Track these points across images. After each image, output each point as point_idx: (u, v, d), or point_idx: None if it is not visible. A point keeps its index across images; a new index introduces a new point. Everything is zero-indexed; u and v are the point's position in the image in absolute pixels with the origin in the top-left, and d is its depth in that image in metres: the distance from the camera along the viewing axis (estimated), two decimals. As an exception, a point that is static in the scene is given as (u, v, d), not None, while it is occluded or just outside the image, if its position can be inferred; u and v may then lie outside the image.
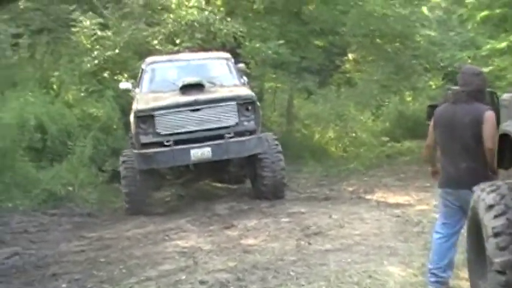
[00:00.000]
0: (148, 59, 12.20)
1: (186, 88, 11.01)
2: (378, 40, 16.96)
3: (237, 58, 14.02)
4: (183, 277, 6.95)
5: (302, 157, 16.23)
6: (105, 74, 14.77)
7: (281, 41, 14.80)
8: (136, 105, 10.88)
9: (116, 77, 14.69)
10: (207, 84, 11.23)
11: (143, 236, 9.32)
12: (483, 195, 4.47)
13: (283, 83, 17.76)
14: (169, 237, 9.14)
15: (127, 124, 11.98)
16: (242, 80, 11.94)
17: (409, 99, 23.33)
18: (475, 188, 4.73)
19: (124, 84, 12.09)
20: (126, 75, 14.62)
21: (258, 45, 14.55)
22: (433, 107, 20.65)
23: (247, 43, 14.68)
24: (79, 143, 12.72)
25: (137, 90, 11.62)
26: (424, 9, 18.87)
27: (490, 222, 4.26)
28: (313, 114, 19.67)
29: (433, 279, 5.67)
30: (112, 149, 13.17)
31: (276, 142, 11.43)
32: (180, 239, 9.03)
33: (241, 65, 12.58)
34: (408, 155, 17.46)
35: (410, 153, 17.87)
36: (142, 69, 11.92)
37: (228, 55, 12.42)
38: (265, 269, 7.01)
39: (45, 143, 12.53)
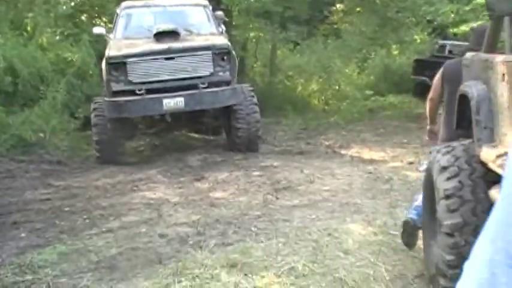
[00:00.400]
0: (124, 4, 11.83)
1: (160, 35, 10.69)
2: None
3: (218, 5, 13.67)
4: (144, 230, 6.80)
5: (283, 109, 16.02)
6: (83, 17, 14.37)
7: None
8: (109, 52, 10.56)
9: (93, 21, 14.33)
10: (182, 32, 10.91)
11: (112, 186, 9.15)
12: (438, 156, 4.29)
13: (266, 32, 17.37)
14: (137, 188, 8.98)
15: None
16: (220, 29, 11.62)
17: (395, 52, 23.02)
18: (432, 149, 4.55)
19: (98, 29, 11.72)
20: (104, 20, 14.26)
21: (239, -8, 14.17)
22: (419, 61, 20.54)
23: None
24: (52, 88, 12.40)
25: (111, 35, 11.28)
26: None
27: (442, 184, 4.10)
28: (297, 66, 19.34)
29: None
30: (86, 95, 12.85)
31: (252, 94, 11.17)
32: (148, 190, 8.88)
33: (219, 13, 12.21)
34: (390, 110, 17.26)
35: (393, 108, 17.68)
36: (117, 14, 11.57)
37: (205, 2, 12.05)
38: (228, 223, 6.86)
39: (16, 86, 12.20)
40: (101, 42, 13.05)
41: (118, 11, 11.64)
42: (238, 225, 6.77)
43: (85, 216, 7.51)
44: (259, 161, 10.43)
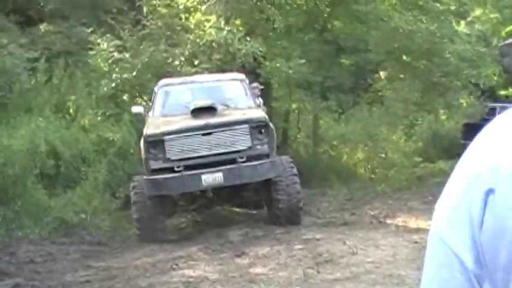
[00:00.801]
0: (161, 82, 11.92)
1: (197, 111, 10.70)
2: (404, 57, 16.39)
3: (257, 78, 13.69)
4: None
5: (328, 179, 15.76)
6: (124, 97, 14.52)
7: (302, 60, 14.36)
8: (146, 130, 10.60)
9: (134, 100, 14.46)
10: (219, 107, 10.89)
11: (151, 265, 9.02)
12: None
13: (306, 103, 17.28)
14: (177, 266, 8.85)
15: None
16: (257, 101, 11.58)
17: (443, 117, 22.67)
18: None
19: (136, 108, 11.81)
20: (145, 98, 14.39)
21: (278, 64, 14.15)
22: (469, 125, 19.98)
23: (267, 63, 14.28)
24: (93, 169, 12.46)
25: (150, 113, 11.35)
26: (462, 24, 18.34)
27: None
28: (342, 135, 19.17)
29: None
30: (128, 174, 12.80)
31: (292, 165, 10.99)
32: (188, 268, 8.75)
33: (256, 84, 12.21)
34: (440, 177, 16.80)
35: (443, 174, 17.23)
36: (155, 92, 11.65)
37: (242, 76, 12.07)
38: (266, 301, 6.62)
39: (58, 169, 12.28)
40: (141, 120, 13.14)
41: (156, 88, 11.71)
42: (276, 302, 6.52)
43: (123, 298, 7.39)
44: (302, 234, 10.18)
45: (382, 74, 22.43)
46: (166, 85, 11.74)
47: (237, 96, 11.58)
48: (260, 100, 11.76)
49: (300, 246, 9.25)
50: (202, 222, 12.14)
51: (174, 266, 8.84)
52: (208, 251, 9.68)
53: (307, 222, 11.22)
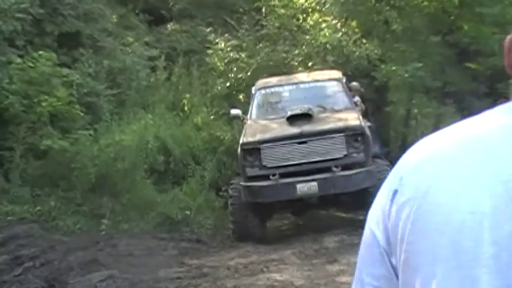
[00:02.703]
0: (258, 83, 12.02)
1: (293, 118, 10.68)
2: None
3: (372, 81, 13.43)
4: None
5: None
6: (240, 97, 14.64)
7: (419, 64, 13.88)
8: (243, 137, 10.74)
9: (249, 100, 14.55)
10: (315, 112, 10.82)
11: (243, 266, 9.05)
12: None
13: (424, 107, 16.72)
14: (267, 269, 8.81)
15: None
16: (355, 100, 11.33)
17: None
18: None
19: (234, 111, 11.90)
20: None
21: (394, 68, 13.77)
22: None
23: (382, 66, 13.93)
24: (201, 166, 12.66)
25: (248, 116, 11.41)
26: None
27: None
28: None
29: None
30: (236, 173, 12.97)
31: (389, 170, 10.64)
32: (277, 271, 8.67)
33: (355, 84, 11.98)
34: None
35: None
36: (252, 94, 11.72)
37: (339, 75, 11.93)
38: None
39: (168, 165, 12.59)
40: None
41: (253, 90, 11.81)
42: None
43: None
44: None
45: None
46: (263, 87, 11.80)
47: (333, 97, 11.51)
48: (358, 99, 11.46)
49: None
50: (302, 225, 12.06)
51: (264, 269, 8.80)
52: (302, 255, 9.58)
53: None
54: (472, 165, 1.05)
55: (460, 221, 1.01)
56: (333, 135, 10.37)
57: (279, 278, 8.28)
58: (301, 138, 10.37)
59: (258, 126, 10.95)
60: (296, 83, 11.83)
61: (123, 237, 10.56)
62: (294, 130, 10.45)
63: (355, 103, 11.33)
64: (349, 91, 11.64)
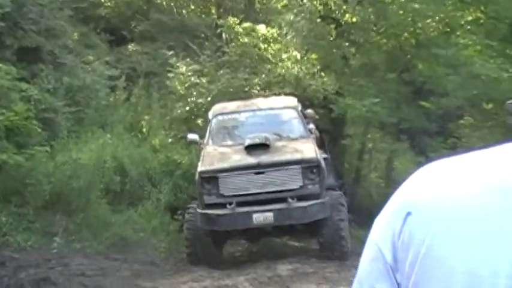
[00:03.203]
0: (214, 108, 12.16)
1: (250, 147, 10.83)
2: (484, 105, 15.88)
3: (330, 114, 13.66)
4: None
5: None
6: (198, 122, 14.69)
7: (376, 99, 14.19)
8: (201, 165, 10.81)
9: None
10: (272, 141, 10.99)
11: (196, 291, 9.05)
12: None
13: (379, 142, 17.04)
14: (221, 295, 8.83)
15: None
16: (310, 127, 11.55)
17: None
18: None
19: (191, 136, 11.91)
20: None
21: (350, 102, 14.05)
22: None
23: (340, 99, 14.19)
24: (158, 189, 12.65)
25: (204, 141, 11.47)
26: None
27: None
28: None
29: None
30: (192, 197, 12.98)
31: (342, 202, 10.92)
32: (231, 298, 8.70)
33: (310, 111, 12.25)
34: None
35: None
36: (209, 120, 11.82)
37: (295, 103, 12.10)
38: None
39: (124, 186, 12.54)
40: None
41: (210, 115, 11.90)
42: None
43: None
44: (352, 275, 9.92)
45: (464, 120, 21.80)
46: (220, 114, 11.89)
47: (289, 124, 11.73)
48: (312, 126, 11.67)
49: (345, 288, 9.08)
50: (256, 252, 12.12)
51: (217, 294, 8.86)
52: (255, 282, 9.62)
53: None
54: (492, 221, 1.05)
55: (477, 284, 1.03)
56: (290, 167, 10.56)
57: (233, 304, 8.33)
58: (258, 169, 10.54)
59: (216, 153, 11.07)
60: (253, 110, 11.98)
61: (76, 257, 10.43)
62: (252, 160, 10.59)
63: (310, 130, 11.52)
64: (305, 118, 11.84)
